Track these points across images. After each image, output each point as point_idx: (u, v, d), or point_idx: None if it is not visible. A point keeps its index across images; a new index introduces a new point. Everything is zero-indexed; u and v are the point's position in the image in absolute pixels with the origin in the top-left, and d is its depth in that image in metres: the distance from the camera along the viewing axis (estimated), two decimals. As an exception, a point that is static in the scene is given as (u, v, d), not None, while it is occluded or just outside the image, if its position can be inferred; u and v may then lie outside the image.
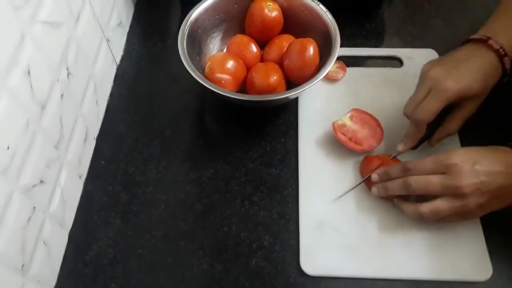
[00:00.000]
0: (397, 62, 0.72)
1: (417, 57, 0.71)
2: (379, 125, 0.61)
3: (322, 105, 0.67)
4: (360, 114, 0.62)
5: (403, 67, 0.71)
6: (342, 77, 0.70)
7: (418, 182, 0.51)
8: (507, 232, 0.55)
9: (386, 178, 0.55)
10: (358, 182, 0.59)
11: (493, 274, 0.52)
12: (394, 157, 0.59)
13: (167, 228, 0.57)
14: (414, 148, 0.59)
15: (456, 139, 0.62)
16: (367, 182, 0.59)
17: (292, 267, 0.54)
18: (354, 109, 0.63)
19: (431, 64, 0.57)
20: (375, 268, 0.53)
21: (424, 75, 0.56)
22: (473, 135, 0.59)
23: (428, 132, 0.57)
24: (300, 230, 0.56)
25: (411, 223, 0.56)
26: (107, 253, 0.55)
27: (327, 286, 0.53)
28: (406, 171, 0.53)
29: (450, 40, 0.62)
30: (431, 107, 0.54)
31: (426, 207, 0.51)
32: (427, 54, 0.72)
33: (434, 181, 0.50)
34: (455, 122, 0.56)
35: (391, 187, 0.54)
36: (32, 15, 0.46)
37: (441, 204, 0.50)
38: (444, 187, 0.49)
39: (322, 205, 0.58)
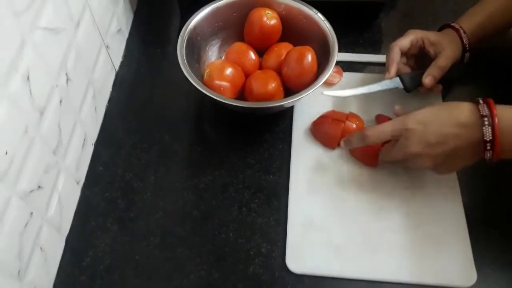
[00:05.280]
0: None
1: None
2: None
3: (317, 109, 0.67)
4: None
5: None
6: (338, 81, 0.70)
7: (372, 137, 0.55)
8: (492, 238, 0.56)
9: (349, 146, 0.59)
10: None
11: (477, 280, 0.52)
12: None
13: (164, 235, 0.57)
14: (408, 90, 0.65)
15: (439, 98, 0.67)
16: (352, 152, 0.63)
17: (290, 274, 0.54)
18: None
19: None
20: (361, 269, 0.54)
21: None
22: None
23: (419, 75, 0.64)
24: (288, 230, 0.56)
25: (399, 227, 0.56)
26: (104, 259, 0.55)
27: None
28: (364, 138, 0.55)
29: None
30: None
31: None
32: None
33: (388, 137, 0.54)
34: (443, 58, 0.63)
35: (353, 139, 0.58)
36: (33, 21, 0.47)
37: (394, 151, 0.55)
38: (397, 150, 0.54)
39: (310, 207, 0.58)
